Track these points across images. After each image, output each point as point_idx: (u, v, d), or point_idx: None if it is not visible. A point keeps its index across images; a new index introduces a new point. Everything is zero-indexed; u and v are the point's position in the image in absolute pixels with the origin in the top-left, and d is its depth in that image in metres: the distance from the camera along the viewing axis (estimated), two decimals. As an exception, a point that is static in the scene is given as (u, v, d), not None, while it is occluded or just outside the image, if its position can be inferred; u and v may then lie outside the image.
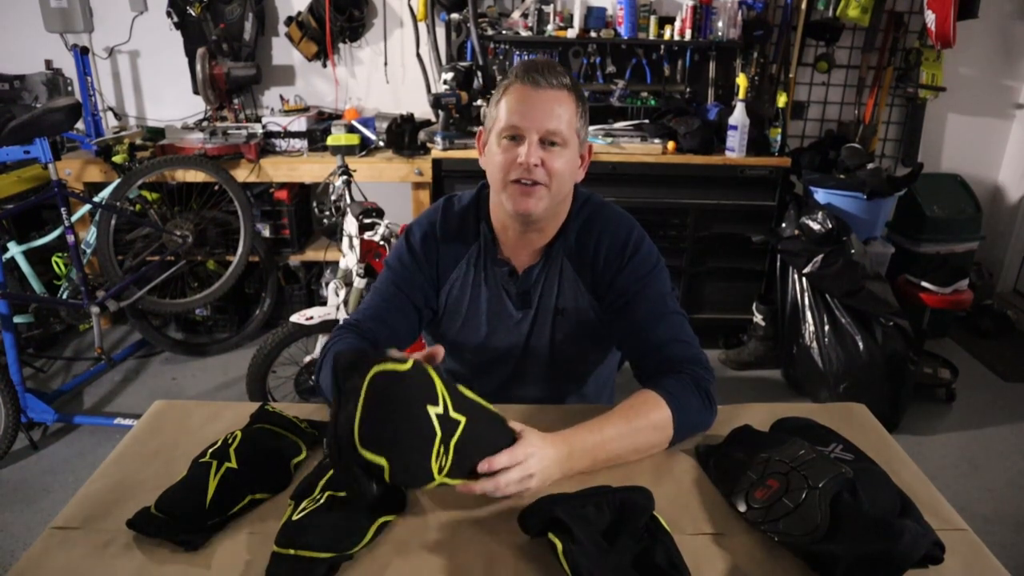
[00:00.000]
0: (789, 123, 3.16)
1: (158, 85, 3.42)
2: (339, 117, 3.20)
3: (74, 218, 2.52)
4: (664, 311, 1.19)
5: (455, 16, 3.14)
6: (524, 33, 3.12)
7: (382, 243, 2.26)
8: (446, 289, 1.29)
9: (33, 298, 2.69)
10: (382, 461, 0.82)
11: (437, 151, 2.92)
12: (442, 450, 0.86)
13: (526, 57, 3.20)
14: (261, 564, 0.83)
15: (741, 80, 2.92)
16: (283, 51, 3.36)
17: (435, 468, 0.86)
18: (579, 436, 1.00)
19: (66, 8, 3.21)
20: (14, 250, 2.61)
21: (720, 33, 3.10)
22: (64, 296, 2.70)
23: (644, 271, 1.22)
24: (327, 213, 2.45)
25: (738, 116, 2.85)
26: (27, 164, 2.80)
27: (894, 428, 2.59)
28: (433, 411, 0.86)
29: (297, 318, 2.25)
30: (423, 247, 1.27)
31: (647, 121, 3.10)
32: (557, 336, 1.29)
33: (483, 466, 0.90)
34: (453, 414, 0.88)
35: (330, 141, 2.53)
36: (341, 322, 1.23)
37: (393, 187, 3.03)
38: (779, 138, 2.93)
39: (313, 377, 2.32)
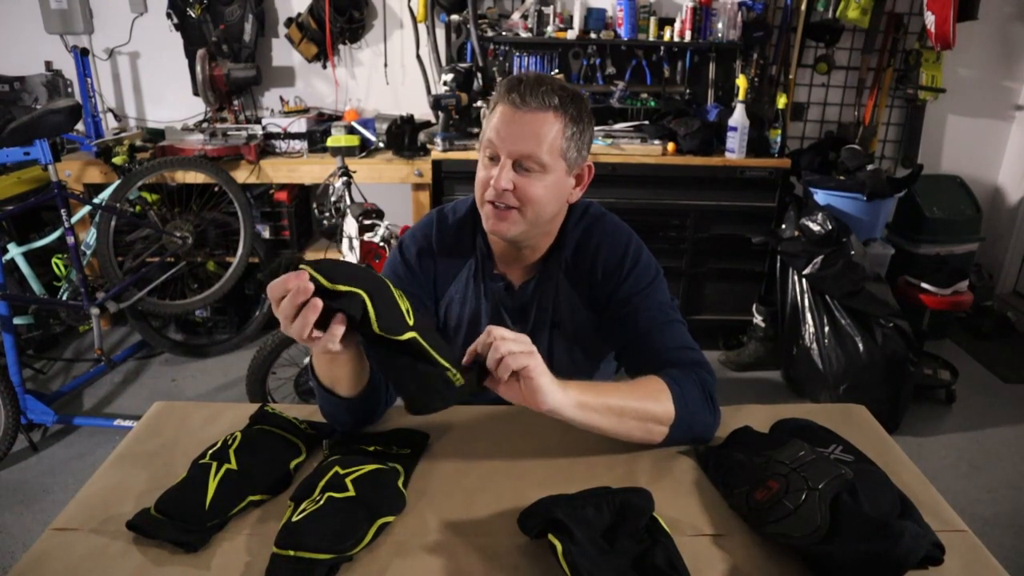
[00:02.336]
0: (789, 124, 3.16)
1: (158, 86, 3.42)
2: (339, 118, 3.21)
3: (74, 219, 2.52)
4: (666, 320, 1.17)
5: (455, 17, 3.14)
6: (524, 34, 3.12)
7: (382, 244, 2.26)
8: (445, 303, 1.28)
9: (33, 299, 2.69)
10: (363, 294, 0.85)
11: (437, 152, 2.92)
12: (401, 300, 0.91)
13: (526, 59, 3.20)
14: (261, 565, 0.83)
15: (741, 81, 2.92)
16: (283, 52, 3.36)
17: (404, 309, 0.90)
18: (573, 381, 0.99)
19: (66, 9, 3.22)
20: (14, 251, 2.61)
21: (720, 34, 3.10)
22: (64, 297, 2.70)
23: (644, 282, 1.20)
24: (327, 214, 2.45)
25: (738, 117, 2.85)
26: (27, 165, 2.80)
27: (894, 429, 2.59)
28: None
29: (297, 319, 2.24)
30: (419, 261, 1.25)
31: (647, 122, 3.10)
32: (555, 350, 1.28)
33: (476, 346, 0.92)
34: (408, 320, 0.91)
35: (330, 142, 2.53)
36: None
37: (393, 188, 3.04)
38: (779, 139, 2.93)
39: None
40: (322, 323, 0.84)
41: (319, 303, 0.82)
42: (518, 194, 1.10)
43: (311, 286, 0.82)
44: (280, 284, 0.83)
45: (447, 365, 0.91)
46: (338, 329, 0.85)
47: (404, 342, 0.89)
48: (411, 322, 0.89)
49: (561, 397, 0.94)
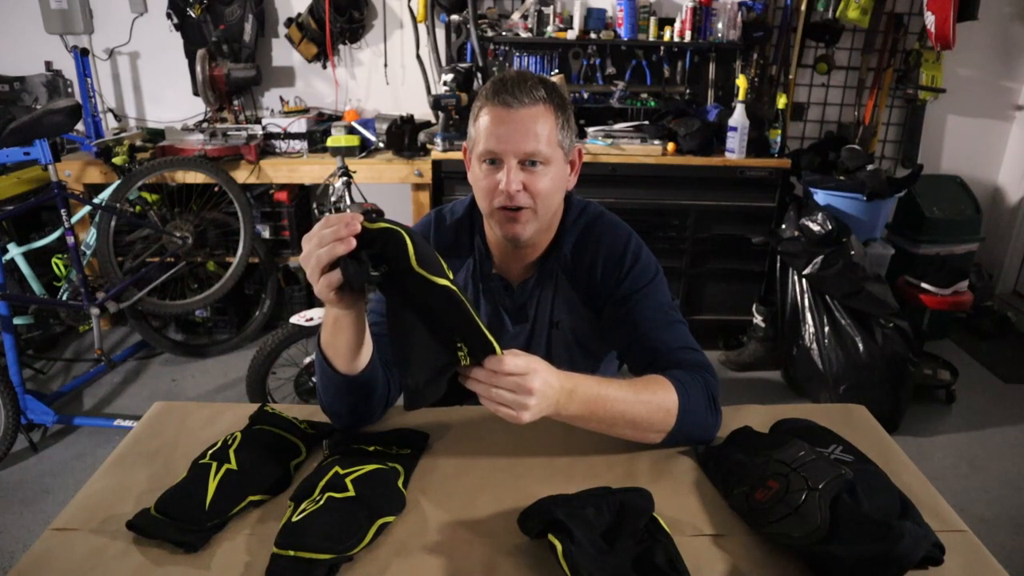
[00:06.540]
0: (789, 124, 3.16)
1: (158, 86, 3.42)
2: (339, 118, 3.21)
3: (74, 219, 2.52)
4: (667, 320, 1.17)
5: (455, 17, 3.14)
6: (524, 34, 3.12)
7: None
8: None
9: (33, 299, 2.69)
10: (403, 232, 0.85)
11: (437, 152, 2.92)
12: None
13: (526, 59, 3.20)
14: (261, 565, 0.83)
15: (741, 81, 2.92)
16: (283, 52, 3.36)
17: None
18: (584, 381, 0.97)
19: (66, 10, 3.22)
20: (14, 251, 2.61)
21: (720, 34, 3.10)
22: (64, 297, 2.70)
23: (644, 281, 1.19)
24: (327, 214, 2.45)
25: (738, 117, 2.85)
26: (27, 165, 2.80)
27: (894, 429, 2.59)
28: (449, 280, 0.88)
29: (297, 319, 2.25)
30: None
31: (647, 122, 3.10)
32: (554, 349, 1.28)
33: (485, 366, 0.88)
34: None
35: (330, 142, 2.53)
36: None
37: (393, 188, 3.04)
38: (779, 139, 2.93)
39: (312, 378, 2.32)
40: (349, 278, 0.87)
41: (352, 241, 0.84)
42: (528, 192, 1.10)
43: (358, 226, 0.84)
44: (335, 218, 0.84)
45: (481, 324, 0.88)
46: (335, 276, 0.86)
47: (440, 287, 0.86)
48: (450, 277, 0.88)
49: (552, 413, 0.94)
